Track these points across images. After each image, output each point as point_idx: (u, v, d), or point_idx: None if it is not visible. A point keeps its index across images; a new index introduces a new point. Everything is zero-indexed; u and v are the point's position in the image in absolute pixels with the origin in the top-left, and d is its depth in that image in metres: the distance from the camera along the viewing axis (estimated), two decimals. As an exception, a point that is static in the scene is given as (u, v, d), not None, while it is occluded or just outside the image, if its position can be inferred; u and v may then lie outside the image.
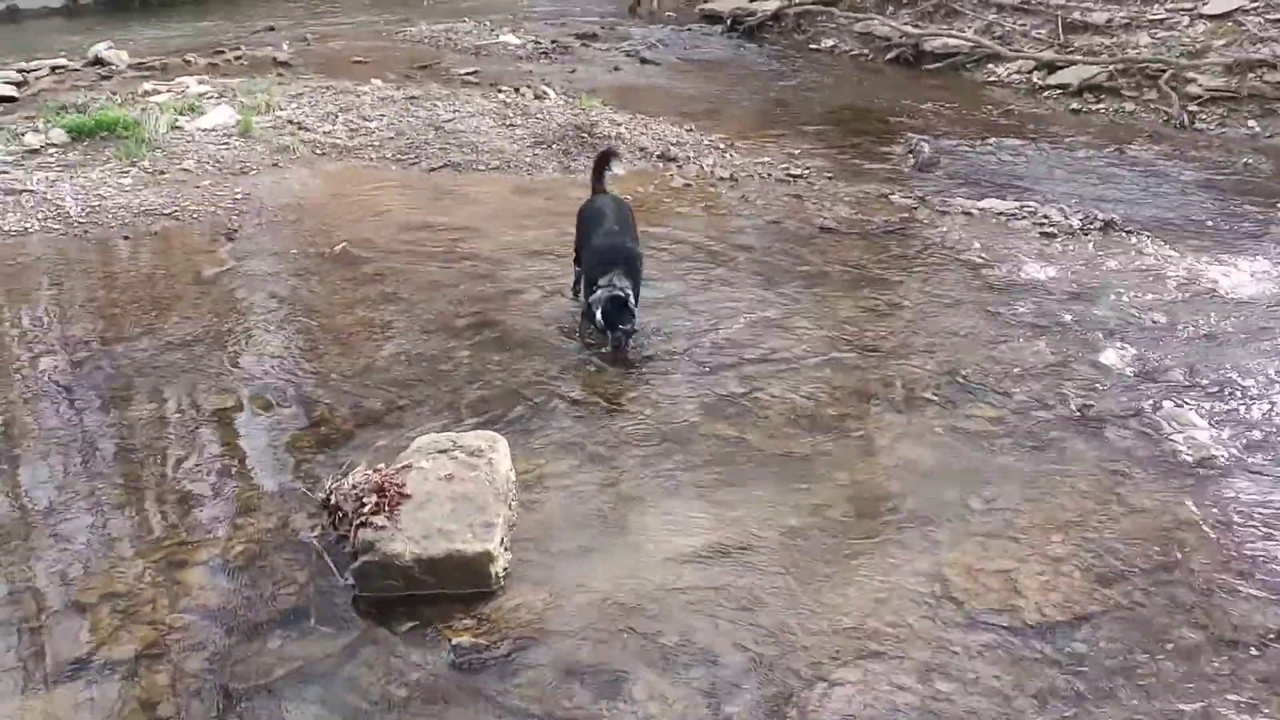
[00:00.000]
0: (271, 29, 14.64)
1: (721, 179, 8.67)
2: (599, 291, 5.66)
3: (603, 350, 5.71)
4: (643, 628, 3.80)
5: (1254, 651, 3.74)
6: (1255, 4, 12.02)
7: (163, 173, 8.27)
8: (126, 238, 7.18)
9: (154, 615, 3.84)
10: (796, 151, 9.70)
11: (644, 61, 13.61)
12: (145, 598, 3.92)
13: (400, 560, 3.88)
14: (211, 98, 10.09)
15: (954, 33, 13.51)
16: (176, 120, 9.30)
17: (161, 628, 3.78)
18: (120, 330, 5.91)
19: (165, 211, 7.56)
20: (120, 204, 7.63)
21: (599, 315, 5.59)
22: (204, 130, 9.19)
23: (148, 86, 10.55)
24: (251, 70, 11.85)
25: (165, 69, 11.86)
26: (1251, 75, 11.00)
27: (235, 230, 7.35)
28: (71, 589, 3.98)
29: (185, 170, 8.32)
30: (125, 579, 4.01)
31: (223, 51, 12.78)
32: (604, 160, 6.64)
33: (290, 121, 9.50)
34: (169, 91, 10.36)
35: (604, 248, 5.94)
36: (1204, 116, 10.90)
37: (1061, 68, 12.25)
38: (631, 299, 5.69)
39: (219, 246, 7.14)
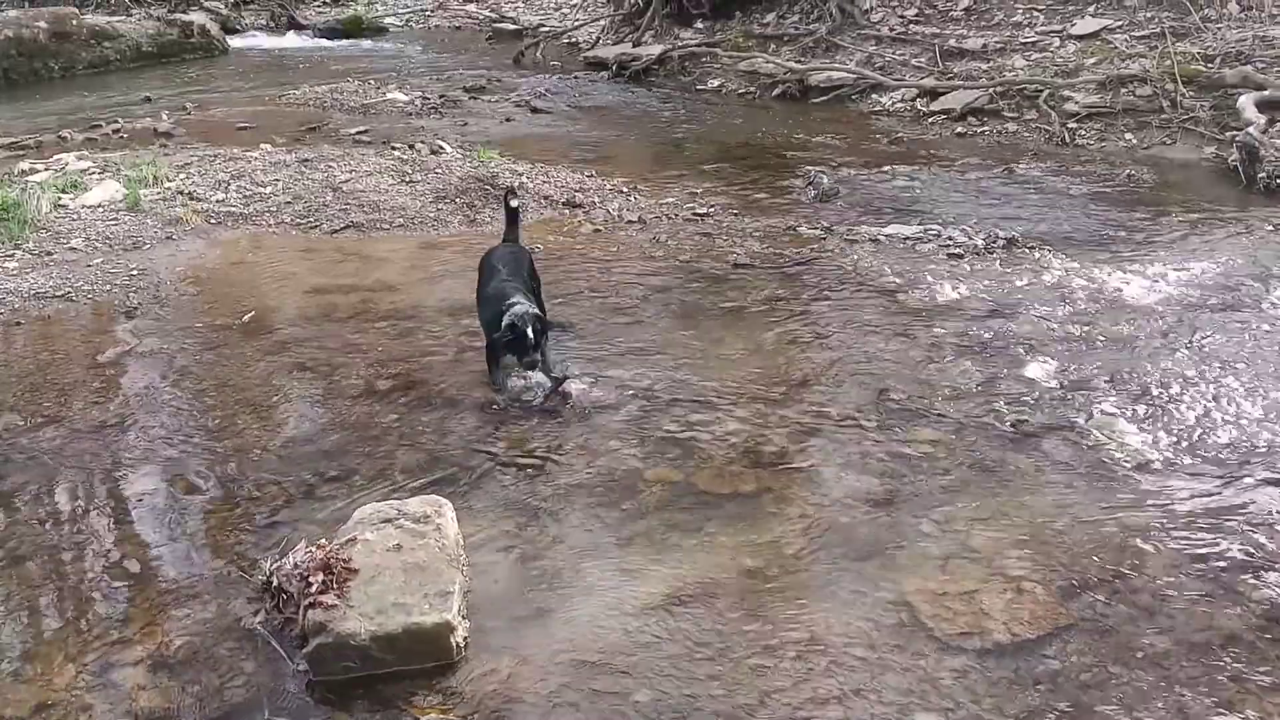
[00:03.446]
0: (148, 100, 14.28)
1: (630, 222, 8.64)
2: (507, 315, 5.52)
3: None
4: (614, 686, 3.68)
5: (1220, 651, 3.77)
6: (1119, 23, 12.55)
7: (49, 253, 7.91)
8: (18, 324, 6.80)
9: (93, 722, 3.60)
10: (699, 190, 9.75)
11: (535, 111, 13.61)
12: (81, 704, 3.66)
13: (356, 639, 3.69)
14: (94, 173, 9.73)
15: (837, 66, 13.81)
16: (59, 198, 8.94)
17: (103, 735, 3.54)
18: (22, 420, 5.57)
19: (57, 293, 7.20)
20: (6, 289, 7.23)
21: (530, 331, 5.44)
22: (89, 207, 8.82)
23: (24, 165, 10.13)
24: (132, 143, 11.51)
25: (40, 146, 11.45)
26: (1124, 90, 11.44)
27: (134, 308, 7.03)
28: (-2, 702, 3.69)
29: (74, 249, 7.98)
30: (57, 686, 3.74)
31: (99, 125, 12.39)
32: (506, 206, 6.66)
33: (180, 192, 9.19)
34: (47, 169, 9.96)
35: (493, 290, 5.88)
36: (1083, 132, 11.29)
37: (943, 94, 12.59)
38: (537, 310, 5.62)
39: (118, 325, 6.83)
